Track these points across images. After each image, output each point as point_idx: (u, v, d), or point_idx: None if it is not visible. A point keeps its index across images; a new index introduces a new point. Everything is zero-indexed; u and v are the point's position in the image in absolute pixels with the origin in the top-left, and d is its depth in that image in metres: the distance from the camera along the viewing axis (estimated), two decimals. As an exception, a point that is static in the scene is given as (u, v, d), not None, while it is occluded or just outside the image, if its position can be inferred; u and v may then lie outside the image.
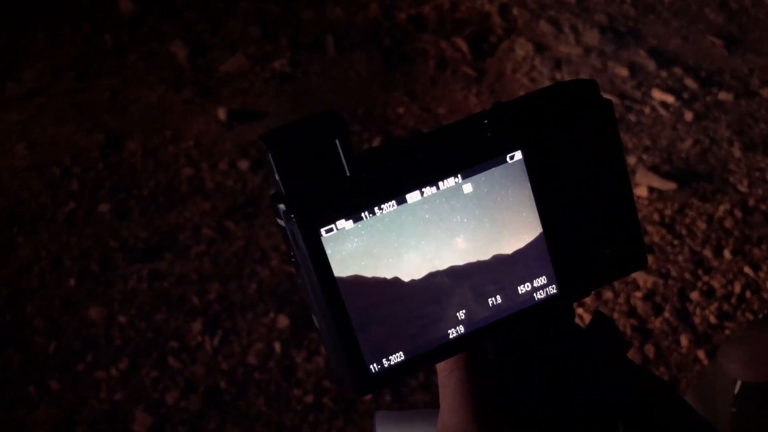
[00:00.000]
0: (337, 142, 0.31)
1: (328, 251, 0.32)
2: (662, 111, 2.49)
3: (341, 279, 0.32)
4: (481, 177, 0.34)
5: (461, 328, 0.34)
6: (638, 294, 1.88)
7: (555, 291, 0.36)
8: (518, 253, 0.35)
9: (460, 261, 0.34)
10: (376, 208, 0.32)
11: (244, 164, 2.18)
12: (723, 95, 2.56)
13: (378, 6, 2.87)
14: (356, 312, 0.33)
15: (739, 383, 0.61)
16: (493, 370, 0.37)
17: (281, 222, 0.32)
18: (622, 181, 0.36)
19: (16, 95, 2.40)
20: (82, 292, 1.85)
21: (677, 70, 2.67)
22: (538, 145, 0.34)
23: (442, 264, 0.34)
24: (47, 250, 1.94)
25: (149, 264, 1.91)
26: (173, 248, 1.95)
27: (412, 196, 0.33)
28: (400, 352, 0.34)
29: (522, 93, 2.80)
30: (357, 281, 0.32)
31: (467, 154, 0.33)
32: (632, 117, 2.45)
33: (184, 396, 1.66)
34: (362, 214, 0.32)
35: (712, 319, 1.84)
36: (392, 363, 0.33)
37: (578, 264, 0.36)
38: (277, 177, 0.31)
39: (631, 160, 2.30)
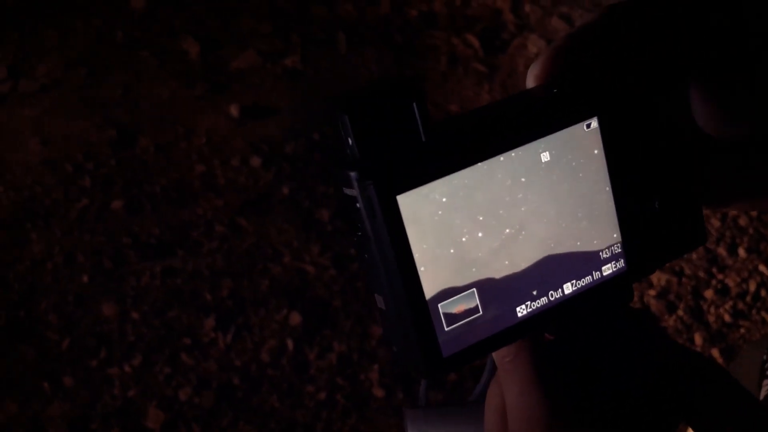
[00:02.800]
0: (415, 106, 0.30)
1: (406, 220, 0.30)
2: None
3: (417, 252, 0.30)
4: (558, 145, 0.32)
5: (532, 308, 0.33)
6: (652, 292, 1.87)
7: (623, 267, 0.35)
8: (592, 227, 0.34)
9: (536, 233, 0.33)
10: (453, 175, 0.31)
11: (256, 161, 2.18)
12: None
13: (389, 2, 2.86)
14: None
15: (764, 388, 0.60)
16: (555, 349, 0.36)
17: (351, 191, 0.30)
18: (685, 156, 0.35)
19: (28, 91, 2.41)
20: (95, 288, 1.85)
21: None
22: (613, 114, 0.33)
23: (518, 242, 0.32)
24: (60, 246, 1.94)
25: (162, 260, 1.91)
26: (186, 245, 1.95)
27: (490, 163, 0.31)
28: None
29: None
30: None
31: (544, 121, 0.32)
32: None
33: (196, 392, 1.66)
34: (441, 181, 0.30)
35: (727, 318, 1.83)
36: (463, 345, 0.32)
37: (646, 239, 0.35)
38: (351, 141, 0.29)
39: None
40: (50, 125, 2.29)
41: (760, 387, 0.63)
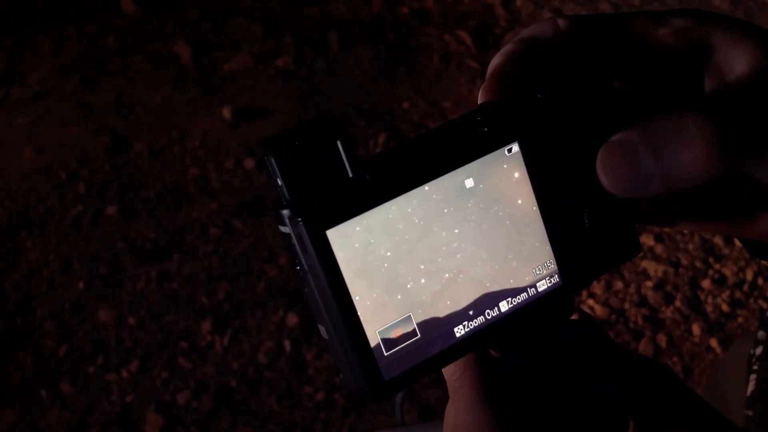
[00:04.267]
0: (339, 143, 0.31)
1: (337, 253, 0.31)
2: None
3: (350, 282, 0.32)
4: (481, 171, 0.34)
5: (470, 327, 0.34)
6: (649, 283, 1.87)
7: (558, 282, 0.36)
8: (522, 246, 0.35)
9: (467, 257, 0.34)
10: (380, 207, 0.32)
11: (250, 163, 2.18)
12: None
13: (381, 0, 2.86)
14: None
15: (752, 383, 0.60)
16: (502, 367, 0.37)
17: (285, 229, 0.31)
18: None
19: (22, 98, 2.41)
20: (91, 295, 1.86)
21: (684, 57, 2.65)
22: (534, 136, 0.34)
23: (449, 262, 0.33)
24: (56, 253, 1.94)
25: (158, 265, 1.91)
26: (181, 248, 1.95)
27: (416, 193, 0.33)
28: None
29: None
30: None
31: (467, 149, 0.33)
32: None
33: (195, 396, 1.66)
34: (368, 214, 0.32)
35: (725, 307, 1.82)
36: (404, 368, 0.33)
37: (578, 254, 0.36)
38: (280, 182, 0.30)
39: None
40: (44, 132, 2.29)
41: (747, 382, 0.63)
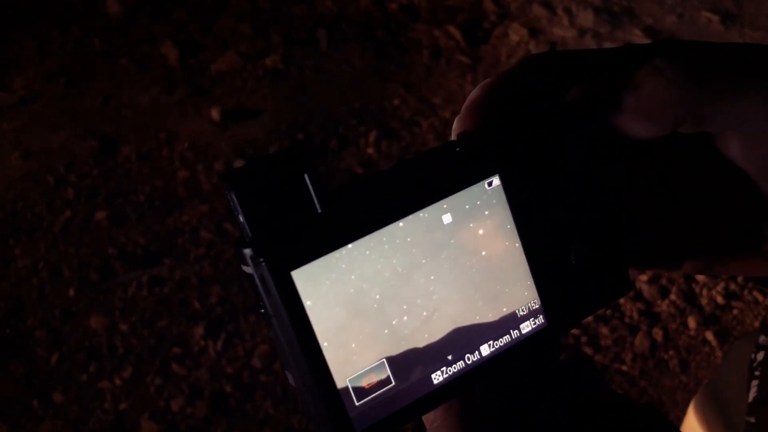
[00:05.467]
0: (307, 177, 0.29)
1: (302, 296, 0.29)
2: (661, 90, 2.47)
3: (318, 327, 0.29)
4: (460, 205, 0.31)
5: (449, 373, 0.32)
6: (643, 278, 1.86)
7: (544, 323, 0.34)
8: (504, 286, 0.33)
9: (443, 298, 0.32)
10: (351, 246, 0.29)
11: (240, 164, 2.16)
12: (722, 71, 2.54)
13: (369, -3, 2.84)
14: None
15: (753, 389, 0.59)
16: (483, 414, 0.34)
17: (248, 269, 0.29)
18: (601, 207, 0.34)
19: (7, 103, 2.38)
20: (82, 302, 1.84)
21: (674, 48, 2.64)
22: (515, 168, 0.32)
23: (425, 302, 0.31)
24: (45, 260, 1.92)
25: (149, 270, 1.90)
26: (172, 253, 1.93)
27: (390, 230, 0.30)
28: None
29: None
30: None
31: (444, 182, 0.31)
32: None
33: (189, 402, 1.65)
34: (337, 253, 0.29)
35: (720, 300, 1.82)
36: (378, 418, 0.31)
37: (564, 293, 0.34)
38: (241, 219, 0.28)
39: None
40: (31, 138, 2.26)
41: (749, 388, 0.62)
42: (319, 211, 0.29)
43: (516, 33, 2.75)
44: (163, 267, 1.90)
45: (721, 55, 0.31)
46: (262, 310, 0.30)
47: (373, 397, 0.31)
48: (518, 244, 0.33)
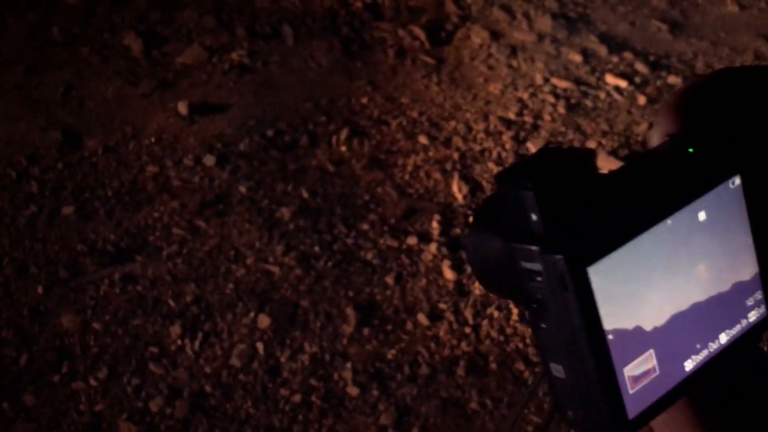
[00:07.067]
0: (588, 174, 0.31)
1: (595, 291, 0.31)
2: (617, 96, 2.55)
3: (605, 320, 0.32)
4: (712, 203, 0.35)
5: (698, 360, 0.35)
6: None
7: (764, 313, 0.37)
8: (739, 278, 0.36)
9: (699, 290, 0.35)
10: (632, 242, 0.32)
11: (210, 160, 2.13)
12: (672, 79, 2.65)
13: (333, -7, 2.84)
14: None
15: None
16: (713, 402, 0.37)
17: (531, 265, 0.30)
18: None
19: (-41, 92, 2.28)
20: (51, 300, 1.78)
21: (627, 55, 2.74)
22: (753, 170, 0.36)
23: (686, 296, 0.34)
24: (10, 256, 1.85)
25: (120, 267, 1.85)
26: (144, 250, 1.90)
27: (661, 227, 0.33)
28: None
29: (481, 81, 2.76)
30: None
31: (698, 182, 0.34)
32: (589, 102, 2.50)
33: (168, 402, 1.63)
34: (623, 250, 0.31)
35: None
36: (644, 406, 0.33)
37: None
38: (535, 217, 0.30)
39: (591, 144, 2.35)
40: (-13, 128, 2.18)
41: None
42: (599, 207, 0.31)
43: (478, 35, 2.80)
44: (135, 264, 1.86)
45: None
46: (536, 305, 0.31)
47: (642, 386, 0.33)
48: (750, 240, 0.36)
